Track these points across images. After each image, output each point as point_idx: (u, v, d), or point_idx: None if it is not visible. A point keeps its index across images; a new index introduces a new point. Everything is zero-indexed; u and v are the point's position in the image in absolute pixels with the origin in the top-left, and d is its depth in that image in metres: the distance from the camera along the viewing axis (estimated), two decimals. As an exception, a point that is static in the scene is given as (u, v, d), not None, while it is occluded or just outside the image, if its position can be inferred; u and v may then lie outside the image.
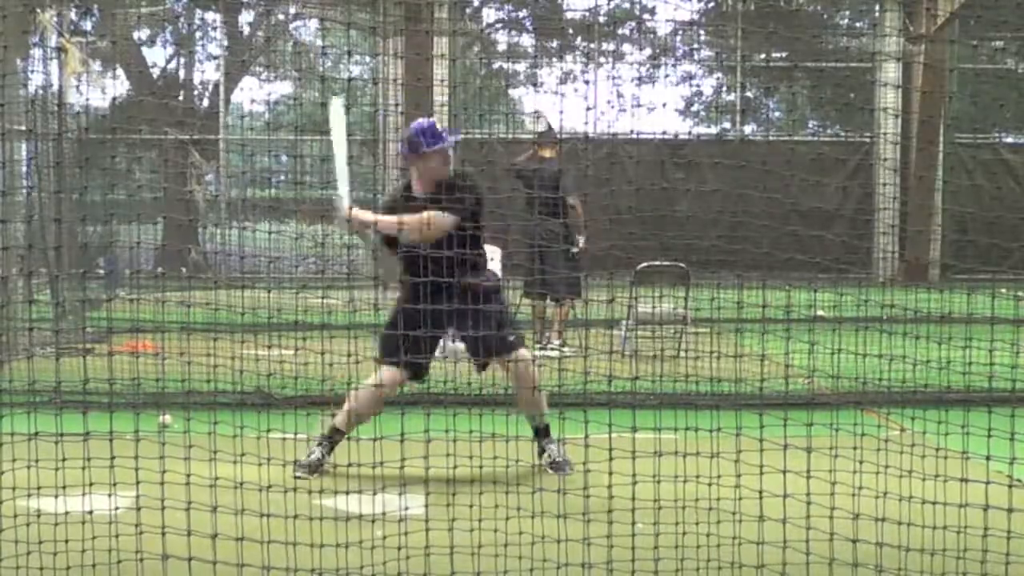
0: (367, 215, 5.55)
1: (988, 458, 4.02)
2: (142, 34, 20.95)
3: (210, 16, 20.98)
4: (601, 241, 10.66)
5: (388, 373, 5.54)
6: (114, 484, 3.95)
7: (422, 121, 5.71)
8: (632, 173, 14.18)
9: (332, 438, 5.64)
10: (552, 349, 9.86)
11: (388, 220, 5.45)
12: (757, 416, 4.02)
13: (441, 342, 6.23)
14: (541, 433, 5.79)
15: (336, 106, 5.62)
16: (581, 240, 10.13)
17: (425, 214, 5.30)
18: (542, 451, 5.80)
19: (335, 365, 4.53)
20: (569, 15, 20.82)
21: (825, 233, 6.07)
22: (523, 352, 5.67)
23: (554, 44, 21.48)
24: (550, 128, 10.22)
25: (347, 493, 4.18)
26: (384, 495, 4.22)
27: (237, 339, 5.02)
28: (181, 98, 21.69)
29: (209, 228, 16.01)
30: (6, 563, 3.93)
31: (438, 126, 5.69)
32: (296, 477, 5.20)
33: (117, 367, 4.15)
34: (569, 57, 21.05)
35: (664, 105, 20.92)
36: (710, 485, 4.04)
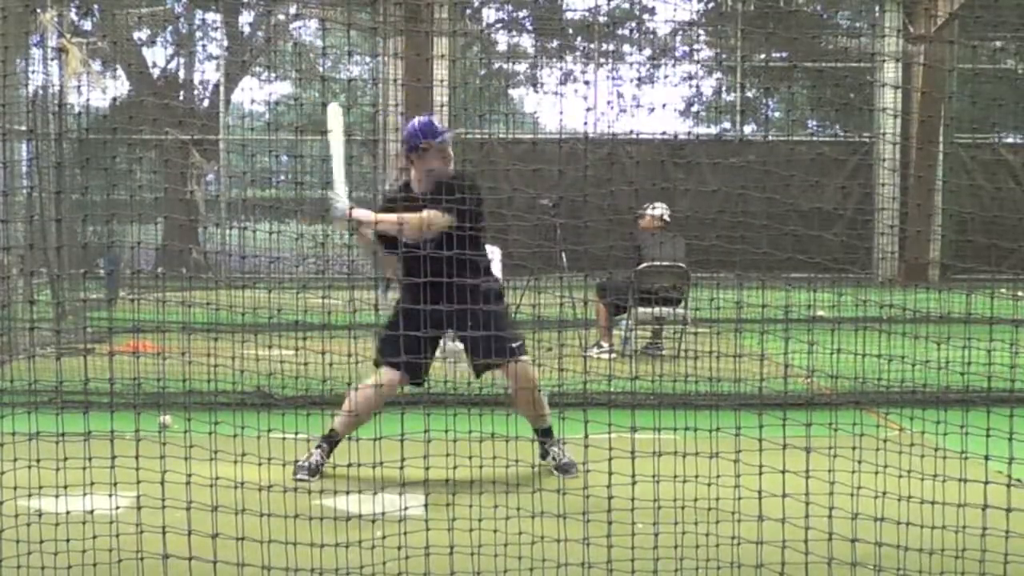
0: (366, 214, 5.55)
1: (987, 458, 4.03)
2: (142, 34, 20.96)
3: (210, 16, 20.98)
4: (601, 242, 10.68)
5: (388, 375, 5.54)
6: (115, 484, 3.96)
7: (420, 118, 5.74)
8: (632, 173, 14.18)
9: (331, 440, 5.65)
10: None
11: (387, 218, 5.42)
12: (756, 416, 4.03)
13: (441, 342, 6.19)
14: (543, 434, 5.79)
15: (335, 109, 5.64)
16: None
17: (424, 213, 5.30)
18: (545, 453, 5.79)
19: (335, 365, 4.54)
20: (569, 15, 20.81)
21: (825, 233, 6.07)
22: (523, 357, 5.66)
23: (554, 44, 21.49)
24: None
25: (347, 493, 4.19)
26: (384, 495, 4.23)
27: (237, 339, 5.03)
28: (181, 98, 21.68)
29: (209, 228, 16.01)
30: (7, 563, 3.94)
31: (435, 122, 5.71)
32: (296, 479, 5.21)
33: (118, 367, 4.16)
34: (569, 57, 21.06)
35: (664, 105, 20.91)
36: (709, 485, 4.04)
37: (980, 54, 17.69)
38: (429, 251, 4.80)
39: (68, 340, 8.80)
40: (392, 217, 5.34)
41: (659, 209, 10.38)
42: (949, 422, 4.14)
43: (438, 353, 6.36)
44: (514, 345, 5.60)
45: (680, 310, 9.90)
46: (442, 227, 5.29)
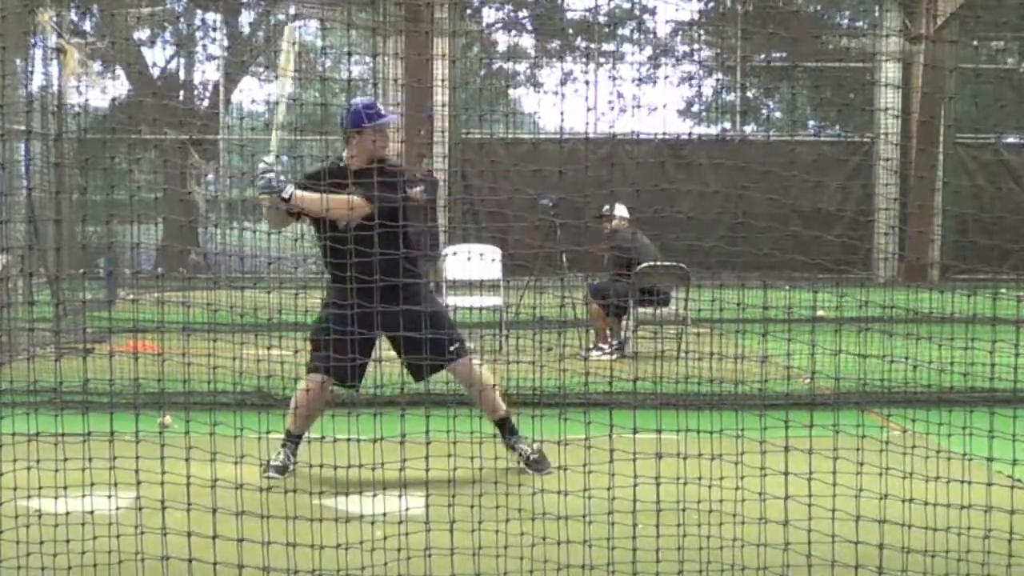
0: (305, 195, 5.43)
1: (990, 459, 4.01)
2: (142, 34, 20.95)
3: (210, 16, 20.97)
4: (601, 243, 10.71)
5: (313, 377, 5.56)
6: (114, 485, 3.95)
7: (363, 99, 5.78)
8: (632, 174, 14.19)
9: (292, 440, 5.66)
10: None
11: (313, 198, 5.34)
12: (758, 417, 4.02)
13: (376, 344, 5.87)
14: (505, 431, 5.76)
15: (289, 32, 5.68)
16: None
17: (349, 197, 5.23)
18: (512, 449, 5.77)
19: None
20: (569, 15, 20.81)
21: (825, 233, 6.06)
22: (462, 360, 5.66)
23: (554, 44, 21.49)
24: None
25: (347, 494, 4.18)
26: (384, 496, 4.22)
27: (237, 340, 5.01)
28: (181, 98, 21.68)
29: (209, 228, 15.99)
30: (7, 563, 3.93)
31: (379, 106, 5.77)
32: (267, 478, 5.03)
33: (117, 367, 4.15)
34: (569, 57, 21.07)
35: (664, 105, 20.92)
36: (711, 486, 4.03)
37: (981, 54, 17.69)
38: (357, 249, 4.63)
39: (68, 340, 8.78)
40: (315, 196, 5.28)
41: (621, 209, 10.31)
42: (952, 423, 4.12)
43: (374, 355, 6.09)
44: (452, 348, 5.59)
45: (667, 309, 9.92)
46: (366, 212, 5.23)
